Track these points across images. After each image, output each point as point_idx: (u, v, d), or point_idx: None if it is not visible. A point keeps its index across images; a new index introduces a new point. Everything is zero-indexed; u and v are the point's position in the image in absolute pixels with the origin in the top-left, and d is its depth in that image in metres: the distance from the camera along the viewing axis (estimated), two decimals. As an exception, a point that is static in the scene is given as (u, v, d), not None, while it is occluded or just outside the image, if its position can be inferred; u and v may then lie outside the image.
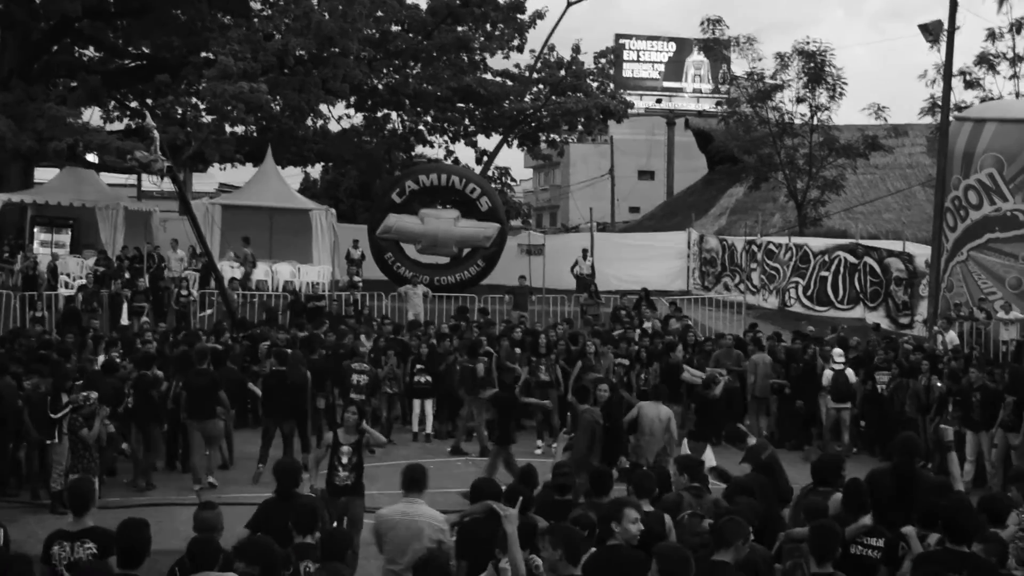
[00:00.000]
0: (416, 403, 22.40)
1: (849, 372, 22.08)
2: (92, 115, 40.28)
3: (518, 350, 23.33)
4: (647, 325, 27.53)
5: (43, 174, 39.36)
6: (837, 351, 22.70)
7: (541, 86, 44.28)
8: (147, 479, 17.80)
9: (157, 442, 18.56)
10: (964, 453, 18.81)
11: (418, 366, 22.46)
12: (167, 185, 33.57)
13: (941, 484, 10.79)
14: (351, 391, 20.16)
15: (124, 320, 26.78)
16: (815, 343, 24.06)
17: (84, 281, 29.45)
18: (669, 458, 14.95)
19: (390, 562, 9.25)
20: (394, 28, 41.44)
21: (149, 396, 18.35)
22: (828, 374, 22.05)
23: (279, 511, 9.52)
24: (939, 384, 20.52)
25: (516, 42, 43.21)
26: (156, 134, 27.23)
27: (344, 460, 12.80)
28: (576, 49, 43.96)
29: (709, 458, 15.23)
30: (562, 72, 43.71)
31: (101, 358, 20.12)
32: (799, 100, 39.36)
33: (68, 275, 30.63)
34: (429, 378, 22.35)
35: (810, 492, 10.40)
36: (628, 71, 56.30)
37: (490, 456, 18.10)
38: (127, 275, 29.61)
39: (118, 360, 19.36)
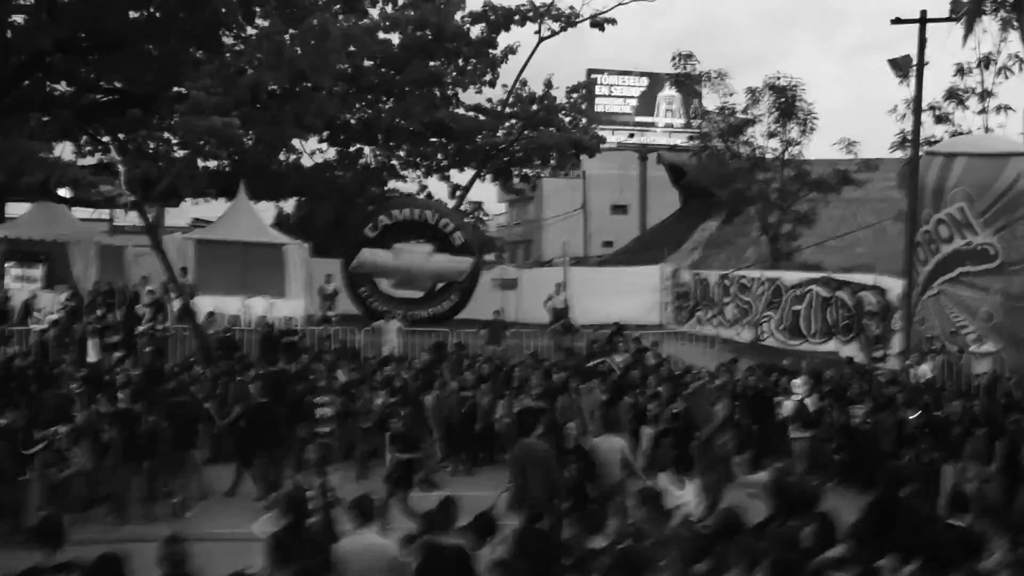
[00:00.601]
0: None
1: (808, 401, 22.34)
2: (64, 150, 40.28)
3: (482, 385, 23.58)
4: (619, 359, 27.70)
5: (15, 209, 39.26)
6: (796, 381, 23.06)
7: (514, 121, 44.37)
8: (123, 514, 17.75)
9: (142, 477, 18.55)
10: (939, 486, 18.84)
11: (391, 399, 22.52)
12: (132, 219, 33.48)
13: (928, 516, 10.78)
14: (316, 424, 20.34)
15: (91, 356, 26.59)
16: (779, 373, 24.48)
17: (56, 316, 29.34)
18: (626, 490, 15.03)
19: None
20: (367, 63, 41.43)
21: (134, 432, 18.34)
22: (788, 404, 22.31)
23: None
24: (911, 417, 20.67)
25: (488, 77, 43.28)
26: (121, 168, 27.25)
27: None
28: (548, 84, 44.06)
29: (689, 491, 15.24)
30: (534, 107, 43.78)
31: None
32: (771, 135, 39.62)
33: (39, 311, 30.48)
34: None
35: (774, 522, 10.43)
36: (600, 106, 56.59)
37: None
38: (100, 311, 29.49)
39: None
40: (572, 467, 15.00)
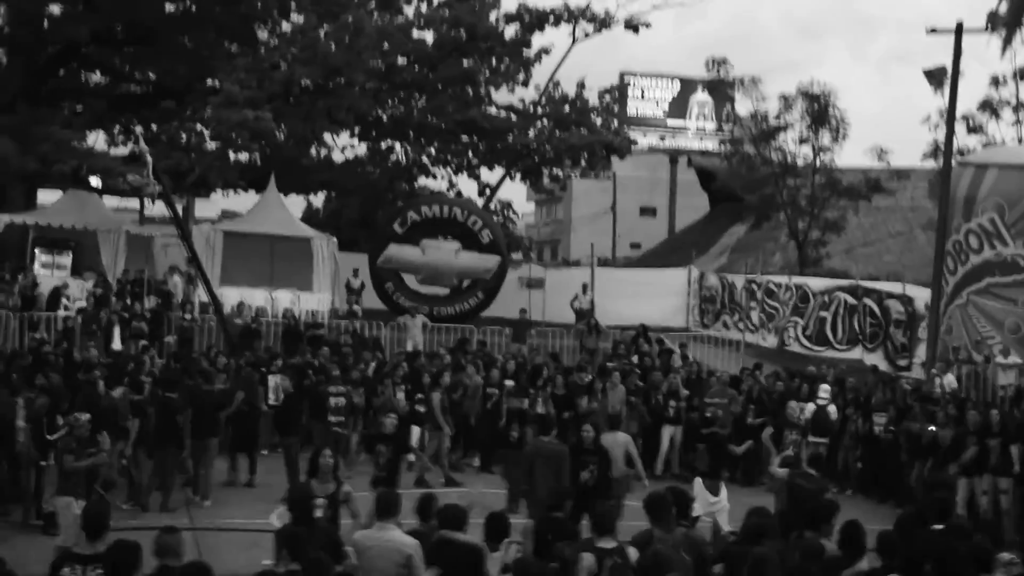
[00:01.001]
0: (415, 430, 22.40)
1: (831, 408, 22.36)
2: (97, 139, 40.50)
3: (509, 382, 23.59)
4: (634, 359, 27.87)
5: (46, 196, 39.41)
6: (823, 387, 23.09)
7: (545, 121, 44.29)
8: (143, 502, 17.84)
9: (172, 466, 18.73)
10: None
11: (418, 395, 22.58)
12: (160, 209, 33.56)
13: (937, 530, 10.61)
14: (329, 413, 20.43)
15: (116, 344, 26.66)
16: (802, 379, 24.56)
17: (83, 304, 29.43)
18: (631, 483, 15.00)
19: None
20: (400, 60, 41.49)
21: (173, 420, 18.62)
22: (811, 408, 22.33)
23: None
24: (932, 428, 20.56)
25: (521, 77, 43.32)
26: (149, 159, 27.33)
27: (317, 514, 11.20)
28: (581, 85, 44.09)
29: (723, 497, 15.21)
30: (566, 108, 43.76)
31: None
32: (802, 141, 39.49)
33: (68, 297, 30.56)
34: (423, 408, 22.42)
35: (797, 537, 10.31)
36: (632, 108, 56.54)
37: None
38: (127, 299, 29.59)
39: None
40: (591, 467, 14.96)
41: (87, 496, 15.14)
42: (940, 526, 10.25)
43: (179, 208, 32.87)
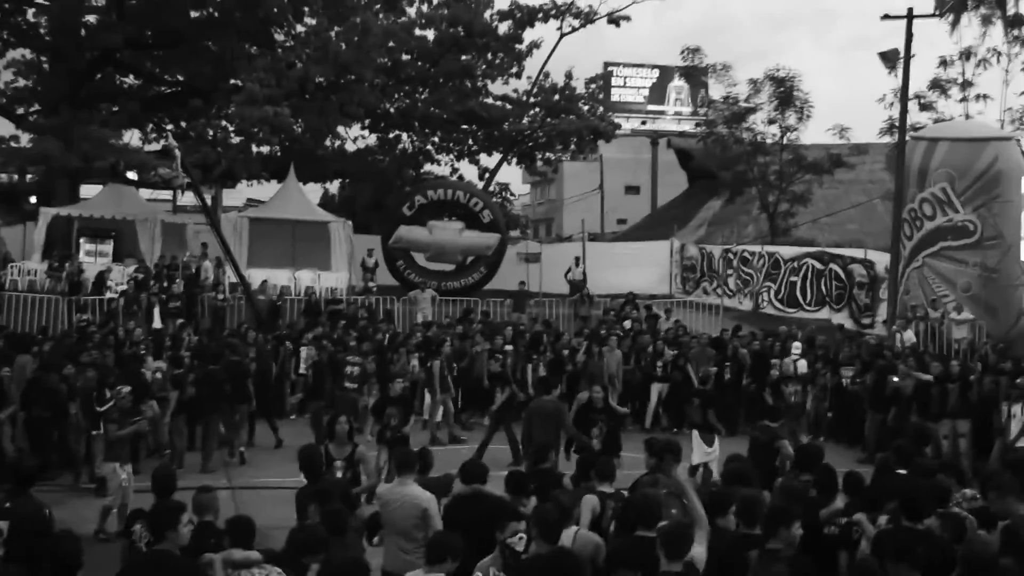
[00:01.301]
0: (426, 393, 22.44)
1: (802, 363, 22.99)
2: (132, 137, 40.51)
3: (508, 347, 23.71)
4: (627, 324, 27.85)
5: (88, 190, 39.39)
6: (795, 344, 23.43)
7: (537, 109, 44.21)
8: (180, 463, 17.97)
9: (215, 432, 19.00)
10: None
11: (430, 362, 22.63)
12: (190, 199, 33.60)
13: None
14: (345, 380, 20.51)
15: (157, 323, 26.71)
16: (773, 337, 24.74)
17: (125, 287, 29.48)
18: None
19: (390, 537, 9.36)
20: (404, 57, 41.42)
21: (220, 389, 18.86)
22: (788, 363, 22.59)
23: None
24: (895, 380, 20.65)
25: (515, 69, 43.23)
26: (178, 153, 27.36)
27: (338, 476, 11.25)
28: (569, 75, 44.01)
29: (716, 447, 15.31)
30: (556, 96, 43.71)
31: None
32: (770, 122, 39.43)
33: (112, 282, 30.60)
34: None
35: (791, 477, 10.41)
36: (616, 95, 56.27)
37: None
38: (164, 282, 29.61)
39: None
40: (601, 425, 15.03)
41: (133, 460, 15.27)
42: (903, 471, 10.38)
43: (207, 197, 32.80)
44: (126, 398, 15.20)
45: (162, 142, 37.13)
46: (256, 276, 30.70)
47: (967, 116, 37.04)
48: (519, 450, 17.65)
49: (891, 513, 8.66)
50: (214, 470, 17.98)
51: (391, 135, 44.70)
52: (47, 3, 37.63)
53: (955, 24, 36.71)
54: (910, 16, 28.39)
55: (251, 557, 7.75)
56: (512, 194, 51.10)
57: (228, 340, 22.43)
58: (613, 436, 15.19)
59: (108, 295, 29.24)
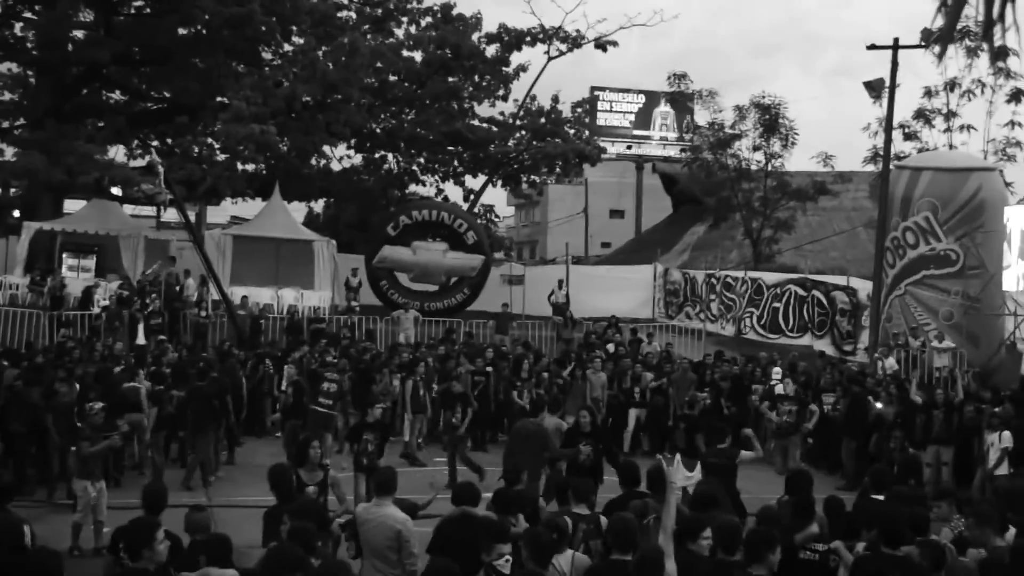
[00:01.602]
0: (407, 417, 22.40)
1: (780, 387, 22.90)
2: (117, 152, 40.42)
3: (488, 368, 23.71)
4: (609, 347, 27.88)
5: (72, 205, 39.32)
6: (775, 369, 23.50)
7: (523, 132, 44.28)
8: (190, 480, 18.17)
9: (208, 447, 18.94)
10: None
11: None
12: (174, 215, 33.58)
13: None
14: (320, 396, 20.37)
15: (140, 340, 26.61)
16: (753, 362, 24.79)
17: (108, 303, 29.37)
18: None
19: (367, 557, 9.30)
20: (391, 78, 41.50)
21: (211, 405, 18.83)
22: (776, 383, 22.81)
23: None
24: (878, 405, 20.70)
25: (501, 92, 43.37)
26: (161, 168, 27.39)
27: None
28: (555, 99, 44.11)
29: (697, 472, 15.27)
30: (542, 120, 43.76)
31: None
32: (755, 148, 39.54)
33: (99, 297, 30.50)
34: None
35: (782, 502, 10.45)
36: (602, 120, 56.42)
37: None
38: (147, 299, 29.49)
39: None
40: (588, 448, 14.94)
41: (105, 478, 15.18)
42: (880, 496, 10.41)
43: (191, 214, 32.76)
44: (98, 414, 15.12)
45: (146, 158, 37.15)
46: (238, 293, 30.64)
47: (951, 146, 37.20)
48: (455, 473, 18.19)
49: (869, 541, 8.67)
50: (194, 488, 17.90)
51: (377, 155, 44.73)
52: (35, 17, 37.62)
53: (942, 55, 36.83)
54: (896, 47, 28.55)
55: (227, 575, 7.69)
56: (497, 216, 51.20)
57: (204, 357, 22.36)
58: (598, 460, 15.15)
59: (94, 310, 29.15)
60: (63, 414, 16.94)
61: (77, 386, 18.06)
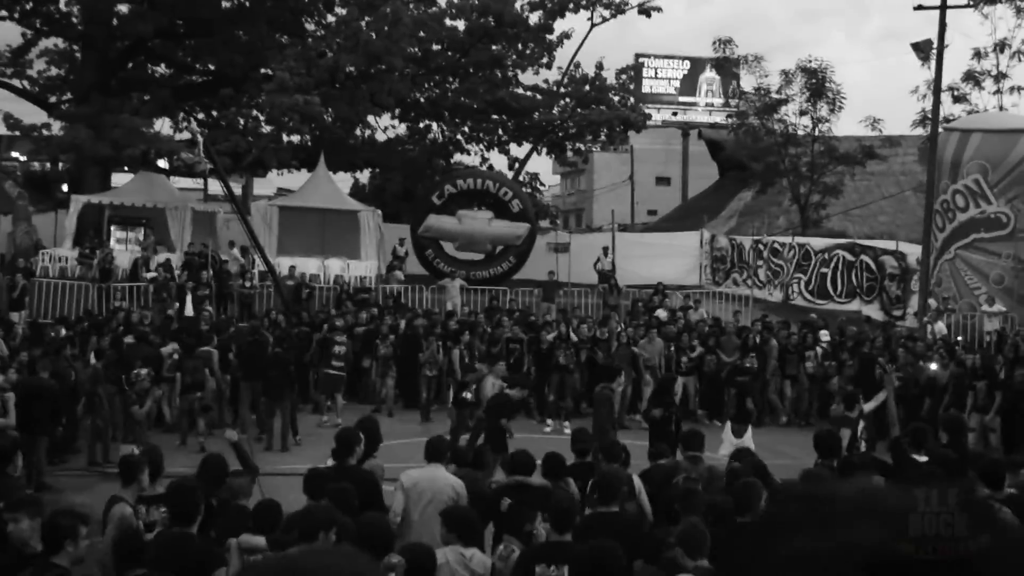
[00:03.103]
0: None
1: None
2: (163, 125, 40.64)
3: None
4: (660, 313, 27.78)
5: (119, 179, 39.59)
6: (823, 332, 23.40)
7: (568, 100, 44.13)
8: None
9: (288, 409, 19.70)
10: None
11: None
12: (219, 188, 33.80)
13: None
14: (333, 359, 21.24)
15: (189, 310, 26.81)
16: (805, 328, 24.68)
17: (155, 274, 29.64)
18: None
19: (413, 522, 9.31)
20: (435, 47, 41.44)
21: (287, 372, 19.72)
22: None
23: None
24: (932, 367, 20.58)
25: (545, 59, 43.17)
26: (200, 138, 27.48)
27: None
28: (599, 66, 43.86)
29: (748, 439, 15.26)
30: (587, 87, 43.55)
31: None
32: (802, 113, 39.28)
33: (148, 268, 30.79)
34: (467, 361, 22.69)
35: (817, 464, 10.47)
36: (647, 87, 56.14)
37: None
38: (195, 270, 29.75)
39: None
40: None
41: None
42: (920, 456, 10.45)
43: (237, 187, 32.90)
44: (143, 380, 15.36)
45: (184, 127, 37.35)
46: (284, 264, 30.80)
47: (1001, 108, 36.76)
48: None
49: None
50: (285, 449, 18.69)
51: (421, 125, 44.78)
52: (79, -8, 37.86)
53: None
54: (943, 7, 28.19)
55: (257, 544, 7.68)
56: (542, 184, 50.97)
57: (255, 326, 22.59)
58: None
59: (149, 275, 29.45)
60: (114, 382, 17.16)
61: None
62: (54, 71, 40.42)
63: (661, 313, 27.95)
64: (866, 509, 1.49)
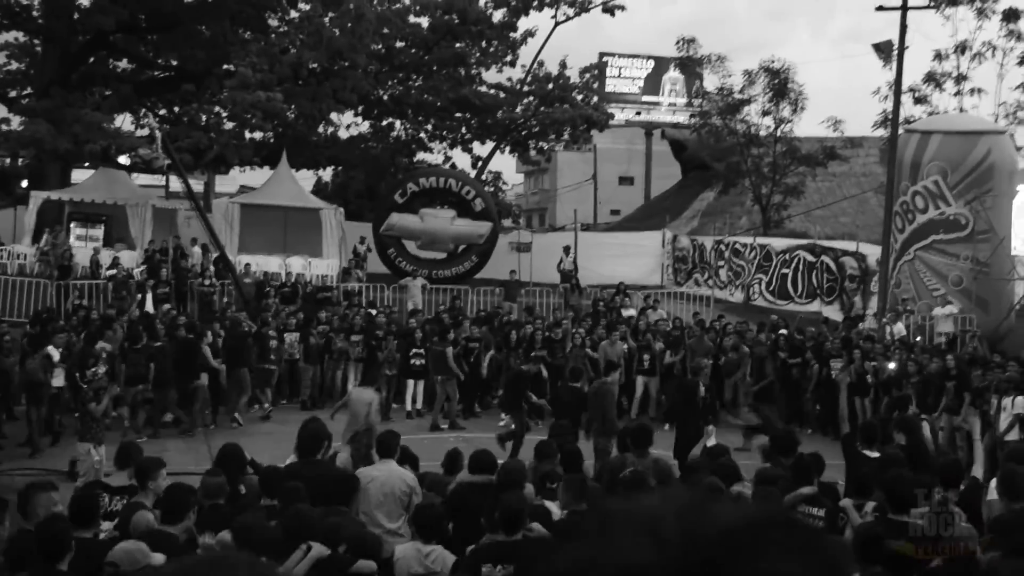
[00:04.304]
0: (410, 383, 22.59)
1: None
2: (124, 121, 40.37)
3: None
4: (629, 313, 27.86)
5: (79, 175, 39.30)
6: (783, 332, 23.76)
7: (531, 98, 44.18)
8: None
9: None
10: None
11: (413, 350, 22.71)
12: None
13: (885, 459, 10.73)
14: (271, 353, 22.82)
15: (149, 307, 26.63)
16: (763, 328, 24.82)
17: (113, 272, 29.39)
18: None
19: (364, 515, 9.30)
20: (398, 44, 41.41)
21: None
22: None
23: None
24: (891, 366, 20.66)
25: (508, 57, 43.25)
26: (158, 133, 27.31)
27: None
28: (563, 65, 43.94)
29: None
30: (550, 85, 43.60)
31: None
32: (764, 113, 39.44)
33: (109, 265, 30.55)
34: (423, 361, 22.52)
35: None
36: (611, 86, 56.28)
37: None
38: (154, 267, 29.55)
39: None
40: None
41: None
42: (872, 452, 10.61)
43: (199, 183, 32.67)
44: (102, 378, 15.30)
45: (143, 122, 37.11)
46: (245, 262, 30.65)
47: (961, 110, 36.99)
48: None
49: (878, 501, 8.63)
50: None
51: (384, 122, 44.73)
52: (40, -15, 37.52)
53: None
54: (904, 8, 28.33)
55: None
56: (504, 183, 51.15)
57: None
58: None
59: (103, 279, 29.22)
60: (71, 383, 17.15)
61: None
62: (14, 65, 40.05)
63: (628, 312, 28.05)
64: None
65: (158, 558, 6.62)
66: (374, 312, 26.27)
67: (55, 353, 18.72)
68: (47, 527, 6.88)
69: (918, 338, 25.19)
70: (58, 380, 18.71)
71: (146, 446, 12.16)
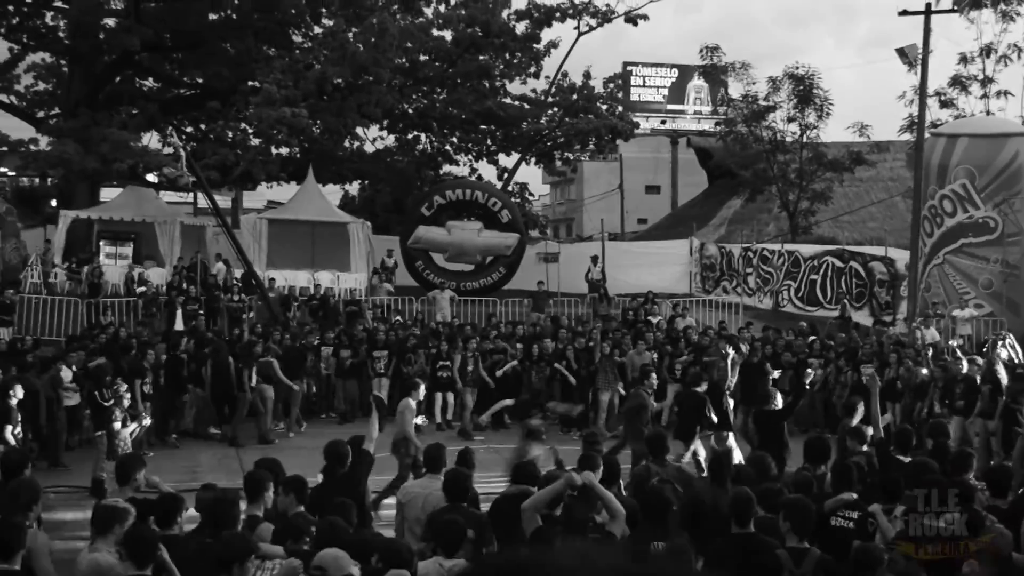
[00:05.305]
0: (438, 396, 22.61)
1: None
2: (151, 139, 40.67)
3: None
4: (655, 321, 27.94)
5: (108, 193, 39.58)
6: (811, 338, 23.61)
7: (556, 109, 44.24)
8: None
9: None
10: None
11: (440, 362, 22.79)
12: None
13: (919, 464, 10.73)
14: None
15: (179, 325, 26.74)
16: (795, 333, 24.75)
17: (144, 289, 29.60)
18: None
19: (409, 532, 9.33)
20: (422, 58, 41.56)
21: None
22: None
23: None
24: (923, 372, 20.55)
25: (532, 69, 43.29)
26: (183, 152, 27.48)
27: None
28: (587, 75, 43.95)
29: (732, 444, 15.47)
30: (574, 96, 43.64)
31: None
32: (790, 120, 39.31)
33: (139, 282, 30.73)
34: (449, 373, 22.70)
35: (801, 469, 10.58)
36: (635, 95, 56.16)
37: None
38: (183, 284, 29.70)
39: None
40: None
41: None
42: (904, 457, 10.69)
43: (227, 200, 32.87)
44: (123, 396, 15.43)
45: (169, 140, 37.44)
46: (275, 277, 30.83)
47: (988, 112, 36.88)
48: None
49: (907, 505, 8.63)
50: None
51: (410, 136, 44.86)
52: (66, 6, 37.84)
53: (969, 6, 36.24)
54: (928, 11, 28.32)
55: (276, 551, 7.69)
56: (531, 194, 51.00)
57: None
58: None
59: (135, 296, 29.40)
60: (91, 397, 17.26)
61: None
62: (41, 86, 40.49)
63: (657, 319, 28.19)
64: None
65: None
66: (394, 320, 26.51)
67: (67, 373, 18.68)
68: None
69: (951, 342, 25.08)
70: (72, 400, 18.67)
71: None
